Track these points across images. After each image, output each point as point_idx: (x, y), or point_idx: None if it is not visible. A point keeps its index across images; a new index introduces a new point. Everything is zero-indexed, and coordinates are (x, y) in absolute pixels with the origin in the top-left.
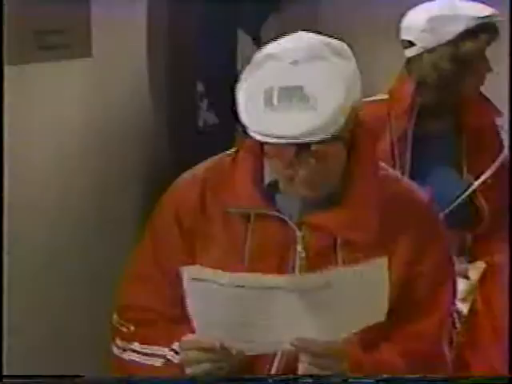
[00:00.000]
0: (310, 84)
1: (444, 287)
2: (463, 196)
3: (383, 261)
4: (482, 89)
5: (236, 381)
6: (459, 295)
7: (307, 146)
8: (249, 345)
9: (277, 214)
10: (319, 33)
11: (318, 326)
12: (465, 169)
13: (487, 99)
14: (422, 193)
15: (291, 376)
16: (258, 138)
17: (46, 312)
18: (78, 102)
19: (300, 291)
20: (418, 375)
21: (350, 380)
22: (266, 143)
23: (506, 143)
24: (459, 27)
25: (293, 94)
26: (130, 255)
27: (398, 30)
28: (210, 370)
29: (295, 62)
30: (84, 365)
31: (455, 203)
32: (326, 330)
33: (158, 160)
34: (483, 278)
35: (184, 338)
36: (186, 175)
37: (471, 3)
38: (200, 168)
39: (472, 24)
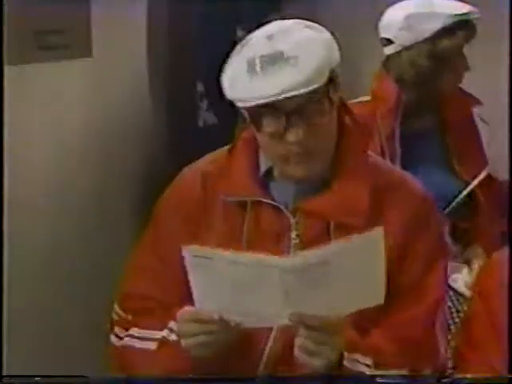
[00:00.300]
0: (290, 48)
1: (435, 272)
2: (461, 196)
3: (379, 230)
4: (483, 89)
5: (232, 380)
6: (465, 285)
7: (297, 112)
8: (247, 318)
9: (271, 201)
10: None
11: (316, 302)
12: (455, 165)
13: (464, 91)
14: (415, 181)
15: (280, 375)
16: (242, 105)
17: (46, 312)
18: (78, 102)
19: (297, 270)
20: (416, 374)
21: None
22: (257, 113)
23: (506, 140)
24: (436, 25)
25: (275, 59)
26: (130, 254)
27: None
28: (206, 342)
29: (270, 36)
30: (84, 365)
31: (454, 203)
32: (324, 306)
33: (157, 160)
34: (482, 272)
35: (182, 310)
36: (188, 169)
37: (449, 1)
38: (201, 162)
39: (449, 21)
